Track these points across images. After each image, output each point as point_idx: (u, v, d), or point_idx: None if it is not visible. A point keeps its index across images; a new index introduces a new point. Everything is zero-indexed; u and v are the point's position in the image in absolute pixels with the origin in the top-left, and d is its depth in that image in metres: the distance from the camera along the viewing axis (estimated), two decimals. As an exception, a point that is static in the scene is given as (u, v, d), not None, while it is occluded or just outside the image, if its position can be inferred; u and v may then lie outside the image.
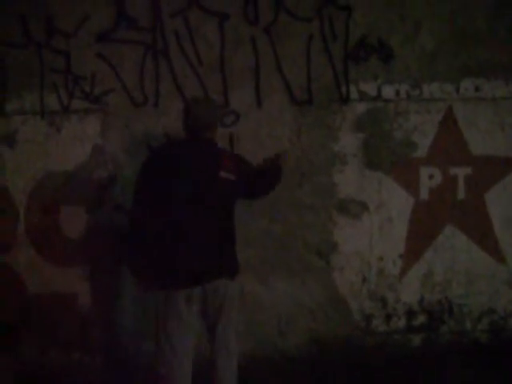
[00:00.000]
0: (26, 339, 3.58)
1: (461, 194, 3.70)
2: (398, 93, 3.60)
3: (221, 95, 3.50)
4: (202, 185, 2.75)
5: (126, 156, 3.53)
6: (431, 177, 3.67)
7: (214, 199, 2.76)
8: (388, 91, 3.60)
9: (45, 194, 3.55)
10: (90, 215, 3.54)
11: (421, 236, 3.71)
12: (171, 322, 2.75)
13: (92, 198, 3.54)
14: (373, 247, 3.69)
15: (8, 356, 3.55)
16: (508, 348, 3.71)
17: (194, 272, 2.71)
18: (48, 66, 3.48)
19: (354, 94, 3.58)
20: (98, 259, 3.55)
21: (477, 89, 3.64)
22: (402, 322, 3.75)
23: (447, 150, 3.66)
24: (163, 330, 2.77)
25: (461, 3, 3.59)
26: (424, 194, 3.68)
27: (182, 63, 3.49)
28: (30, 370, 3.53)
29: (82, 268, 3.57)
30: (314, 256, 3.62)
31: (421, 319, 3.76)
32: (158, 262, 2.76)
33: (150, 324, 3.13)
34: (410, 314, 3.74)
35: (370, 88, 3.59)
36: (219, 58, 3.49)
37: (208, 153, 2.84)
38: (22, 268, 3.57)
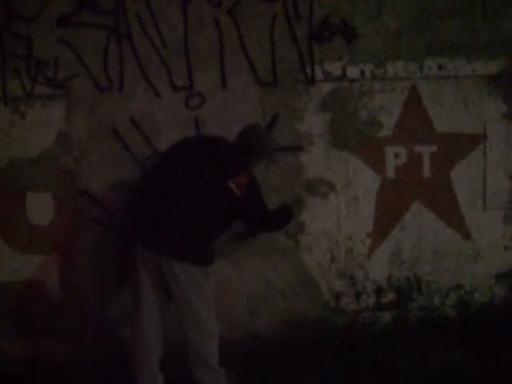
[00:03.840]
0: (-4, 328, 3.56)
1: (426, 171, 3.73)
2: (362, 73, 3.61)
3: (185, 77, 3.49)
4: (209, 182, 2.85)
5: (92, 141, 3.50)
6: (397, 155, 3.70)
7: (213, 198, 2.83)
8: (353, 71, 3.60)
9: (10, 181, 3.51)
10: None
11: (388, 214, 3.74)
12: (136, 279, 2.92)
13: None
14: (341, 226, 3.71)
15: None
16: (475, 322, 3.79)
17: (159, 240, 2.82)
18: (9, 51, 3.42)
19: (319, 75, 3.58)
20: (65, 246, 3.53)
21: (440, 67, 3.67)
22: (371, 300, 3.80)
23: (412, 128, 3.69)
24: (131, 286, 3.01)
25: (423, -18, 3.61)
26: (390, 173, 3.70)
27: (145, 46, 3.46)
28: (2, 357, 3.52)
29: (50, 255, 3.54)
30: (282, 236, 3.64)
31: (390, 296, 3.81)
32: (144, 218, 2.90)
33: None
34: (379, 291, 3.79)
35: (334, 68, 3.59)
36: (183, 40, 3.46)
37: (234, 161, 2.93)
38: (-11, 257, 3.54)
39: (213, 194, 2.83)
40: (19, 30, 3.41)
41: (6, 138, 3.49)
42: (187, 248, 2.82)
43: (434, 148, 3.72)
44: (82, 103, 3.48)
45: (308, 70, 3.57)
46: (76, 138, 3.50)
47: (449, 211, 3.79)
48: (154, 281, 2.89)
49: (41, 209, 3.52)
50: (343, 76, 3.60)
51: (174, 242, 2.80)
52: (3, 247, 3.53)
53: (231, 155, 2.94)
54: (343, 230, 3.72)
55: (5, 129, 3.49)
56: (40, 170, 3.51)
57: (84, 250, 3.53)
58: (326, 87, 3.60)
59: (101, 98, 3.49)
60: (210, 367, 2.96)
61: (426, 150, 3.72)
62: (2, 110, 3.48)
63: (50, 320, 3.57)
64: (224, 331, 3.44)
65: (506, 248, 3.88)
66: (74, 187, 3.51)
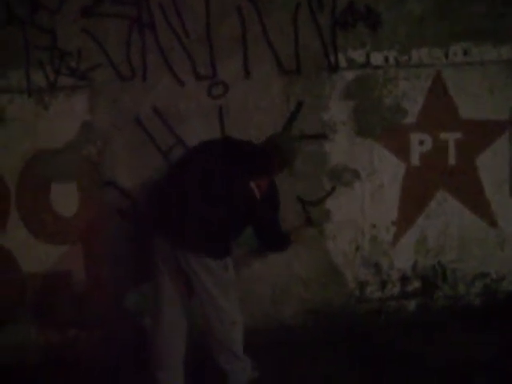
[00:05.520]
0: (23, 318, 3.57)
1: (452, 159, 3.70)
2: (386, 59, 3.58)
3: (208, 66, 3.48)
4: (231, 180, 2.89)
5: (116, 131, 3.50)
6: (422, 143, 3.67)
7: (233, 197, 2.87)
8: (377, 58, 3.58)
9: (35, 172, 3.52)
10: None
11: (413, 202, 3.72)
12: (156, 277, 2.98)
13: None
14: (365, 215, 3.70)
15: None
16: (501, 310, 3.75)
17: (177, 233, 2.86)
18: (33, 43, 3.43)
19: (342, 62, 3.57)
20: (90, 236, 3.54)
21: (465, 53, 3.63)
22: (396, 289, 3.78)
23: (437, 115, 3.66)
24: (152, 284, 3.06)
25: (447, -33, 3.57)
26: (415, 160, 3.68)
27: (168, 36, 3.45)
28: (27, 348, 3.55)
29: (75, 245, 3.56)
30: (307, 226, 3.63)
31: (415, 285, 3.79)
32: (165, 213, 2.94)
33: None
34: (404, 279, 3.77)
35: (358, 55, 3.57)
36: (205, 29, 3.46)
37: (260, 164, 2.97)
38: (15, 248, 3.55)
39: (234, 193, 2.87)
40: (42, 22, 3.42)
41: (30, 130, 3.50)
42: (203, 241, 2.84)
43: (459, 135, 3.69)
44: (105, 94, 3.49)
45: (331, 57, 3.55)
46: (99, 128, 3.51)
47: (474, 198, 3.76)
48: (173, 276, 2.92)
49: (65, 199, 3.54)
50: (367, 63, 3.58)
51: (192, 236, 2.83)
52: (28, 238, 3.55)
53: (256, 158, 2.97)
54: (368, 219, 3.70)
55: (29, 120, 3.50)
56: (64, 160, 3.52)
57: (108, 240, 3.54)
58: (350, 74, 3.58)
59: (124, 88, 3.49)
60: (234, 355, 2.98)
61: (451, 137, 3.69)
62: (26, 101, 3.49)
63: (75, 310, 3.59)
64: (248, 320, 3.45)
65: (532, 235, 3.83)
66: (98, 177, 3.52)
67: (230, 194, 2.86)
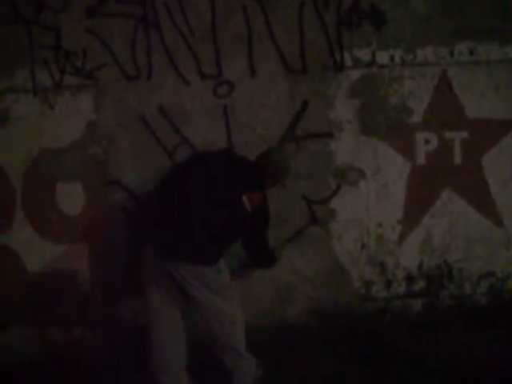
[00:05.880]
0: (28, 317, 3.58)
1: (457, 158, 3.68)
2: (392, 58, 3.58)
3: (213, 65, 3.48)
4: (224, 193, 2.86)
5: (121, 130, 3.51)
6: (427, 142, 3.66)
7: (224, 210, 2.84)
8: (382, 57, 3.57)
9: (40, 171, 3.54)
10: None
11: (418, 201, 3.71)
12: (145, 292, 2.97)
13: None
14: (371, 214, 3.69)
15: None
16: (507, 310, 3.74)
17: (167, 245, 2.82)
18: (38, 43, 3.46)
19: (348, 61, 3.56)
20: (95, 235, 3.55)
21: (471, 52, 3.62)
22: (401, 288, 3.77)
23: (443, 114, 3.64)
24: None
25: (453, -35, 3.56)
26: (420, 159, 3.67)
27: (173, 35, 3.47)
28: (33, 346, 3.56)
29: (80, 244, 3.57)
30: (312, 225, 3.63)
31: (420, 284, 3.77)
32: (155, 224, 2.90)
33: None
34: (410, 279, 3.76)
35: (363, 54, 3.56)
36: (211, 28, 3.46)
37: (253, 178, 2.95)
38: (20, 247, 3.57)
39: (225, 205, 2.84)
40: (47, 21, 3.45)
41: (35, 129, 3.53)
42: (193, 251, 2.81)
43: (465, 134, 3.67)
44: (111, 93, 3.51)
45: (337, 56, 3.55)
46: (105, 127, 3.53)
47: (480, 198, 3.74)
48: (163, 286, 2.90)
49: (71, 198, 3.56)
50: (372, 62, 3.57)
51: (182, 246, 2.80)
52: (34, 237, 3.57)
53: (250, 173, 2.96)
54: (373, 218, 3.69)
55: (34, 119, 3.53)
56: (70, 159, 3.54)
57: (113, 240, 3.55)
58: (356, 73, 3.58)
59: (129, 88, 3.50)
60: (238, 354, 2.98)
61: (457, 136, 3.67)
62: (31, 100, 3.52)
63: (80, 309, 3.60)
64: (253, 319, 3.45)
65: (538, 235, 3.83)
66: (103, 177, 3.53)
67: (221, 207, 2.83)
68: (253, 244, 3.08)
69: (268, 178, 2.98)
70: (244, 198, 2.88)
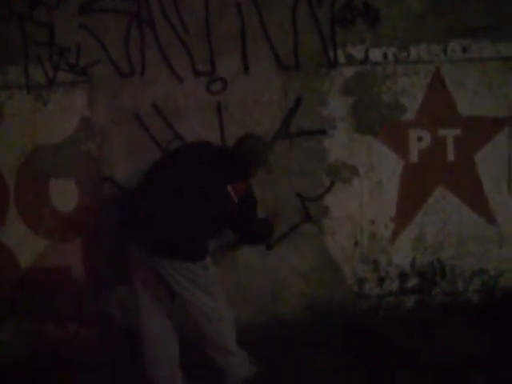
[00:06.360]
0: (22, 313, 3.59)
1: (450, 155, 3.69)
2: (385, 56, 3.58)
3: (207, 63, 3.48)
4: (209, 186, 2.86)
5: (114, 127, 3.51)
6: (420, 139, 3.66)
7: (208, 202, 2.83)
8: (375, 54, 3.57)
9: (34, 168, 3.54)
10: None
11: (412, 198, 3.71)
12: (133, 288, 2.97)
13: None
14: (364, 211, 3.69)
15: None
16: (499, 307, 3.75)
17: (152, 243, 2.81)
18: (31, 39, 3.45)
19: (341, 58, 3.56)
20: (89, 231, 3.55)
21: (464, 50, 3.62)
22: (394, 285, 3.78)
23: (436, 111, 3.65)
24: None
25: (446, -37, 3.56)
26: (414, 157, 3.67)
27: (167, 32, 3.46)
28: (27, 342, 3.56)
29: (73, 241, 3.57)
30: (305, 222, 3.64)
31: (413, 281, 3.78)
32: (137, 219, 2.89)
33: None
34: (403, 276, 3.77)
35: (357, 51, 3.56)
36: (204, 25, 3.46)
37: (236, 168, 2.94)
38: (14, 243, 3.57)
39: (211, 198, 2.84)
40: (41, 18, 3.44)
41: (29, 125, 3.52)
42: (177, 247, 2.81)
43: (458, 131, 3.68)
44: (104, 89, 3.50)
45: (330, 53, 3.55)
46: (98, 124, 3.53)
47: (473, 195, 3.75)
48: (150, 285, 2.90)
49: (64, 195, 3.56)
50: (366, 59, 3.57)
51: (164, 242, 2.80)
52: (27, 233, 3.57)
53: (231, 163, 2.95)
54: (366, 215, 3.70)
55: (28, 116, 3.52)
56: (63, 156, 3.54)
57: (107, 236, 3.54)
58: (349, 71, 3.58)
59: (123, 84, 3.50)
60: (228, 351, 2.99)
61: (450, 134, 3.68)
62: (24, 97, 3.51)
63: (74, 306, 3.60)
64: (247, 316, 3.47)
65: (531, 232, 3.84)
66: (97, 173, 3.53)
67: (207, 200, 2.82)
68: (244, 229, 3.12)
69: (249, 165, 2.97)
70: (229, 188, 2.87)
